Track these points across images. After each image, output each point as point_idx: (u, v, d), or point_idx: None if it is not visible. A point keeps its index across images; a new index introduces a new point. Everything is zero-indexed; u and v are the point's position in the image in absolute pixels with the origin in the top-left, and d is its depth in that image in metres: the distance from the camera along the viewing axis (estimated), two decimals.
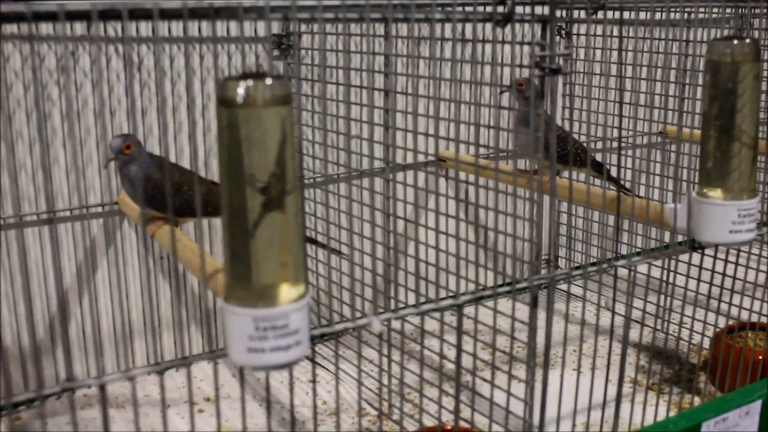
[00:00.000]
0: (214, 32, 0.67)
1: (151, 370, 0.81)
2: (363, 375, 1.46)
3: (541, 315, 1.08)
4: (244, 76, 0.74)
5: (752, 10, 1.58)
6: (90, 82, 1.37)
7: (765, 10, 1.33)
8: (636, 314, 1.63)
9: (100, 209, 1.42)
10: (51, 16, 0.71)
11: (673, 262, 1.43)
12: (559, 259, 1.93)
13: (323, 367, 1.54)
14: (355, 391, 1.45)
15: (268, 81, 0.74)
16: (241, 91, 0.73)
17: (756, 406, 1.24)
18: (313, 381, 0.90)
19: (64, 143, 1.36)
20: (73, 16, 0.72)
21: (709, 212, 1.09)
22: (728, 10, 1.33)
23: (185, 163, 1.45)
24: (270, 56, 1.48)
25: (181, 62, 1.43)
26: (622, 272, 1.59)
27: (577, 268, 1.83)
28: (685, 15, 1.22)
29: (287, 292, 0.77)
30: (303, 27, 1.49)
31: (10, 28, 1.29)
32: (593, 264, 1.10)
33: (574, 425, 1.18)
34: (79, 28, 1.35)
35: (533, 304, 1.03)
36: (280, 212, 0.75)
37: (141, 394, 1.44)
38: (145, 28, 1.39)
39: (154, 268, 1.50)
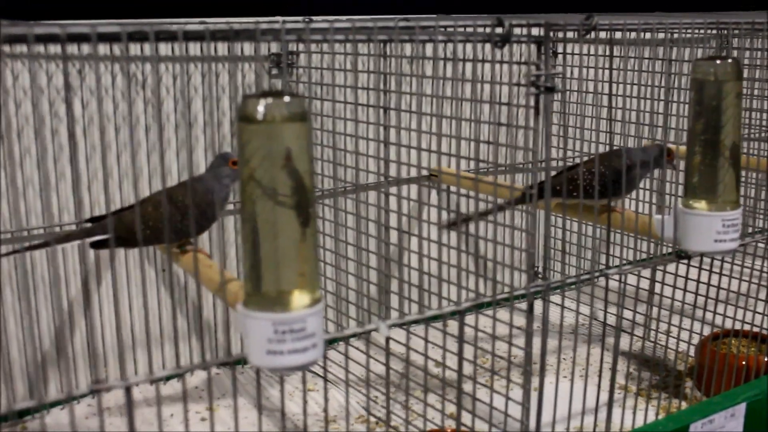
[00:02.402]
0: (232, 53, 0.72)
1: (173, 374, 0.85)
2: (362, 383, 1.50)
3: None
4: (264, 94, 0.79)
5: (731, 31, 1.65)
6: (95, 100, 1.41)
7: (744, 31, 1.39)
8: (623, 323, 1.68)
9: None
10: (83, 38, 0.75)
11: (659, 274, 1.49)
12: (547, 271, 1.98)
13: (319, 375, 1.58)
14: (354, 398, 1.49)
15: (287, 99, 0.79)
16: (260, 108, 0.78)
17: (741, 409, 1.29)
18: (325, 388, 0.94)
19: (70, 159, 1.40)
20: (103, 37, 0.76)
21: (695, 223, 1.15)
22: (711, 31, 1.39)
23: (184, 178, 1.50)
24: (282, 76, 1.52)
25: (184, 81, 1.48)
26: (612, 284, 1.65)
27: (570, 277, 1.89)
28: (670, 35, 1.28)
29: (304, 297, 0.82)
30: (300, 46, 1.54)
31: (21, 48, 1.33)
32: (587, 273, 1.15)
33: (568, 428, 1.23)
34: (86, 48, 1.39)
35: (530, 311, 1.08)
36: (299, 223, 0.80)
37: (143, 404, 1.47)
38: (148, 48, 1.44)
39: (156, 281, 1.53)
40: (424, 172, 1.66)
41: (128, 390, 0.82)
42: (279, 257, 0.79)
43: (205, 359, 0.83)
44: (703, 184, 1.15)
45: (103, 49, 1.38)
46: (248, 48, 1.52)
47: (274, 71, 1.54)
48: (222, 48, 1.51)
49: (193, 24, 0.80)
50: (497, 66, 1.01)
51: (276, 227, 0.79)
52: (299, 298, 0.82)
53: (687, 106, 1.17)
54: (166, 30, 0.79)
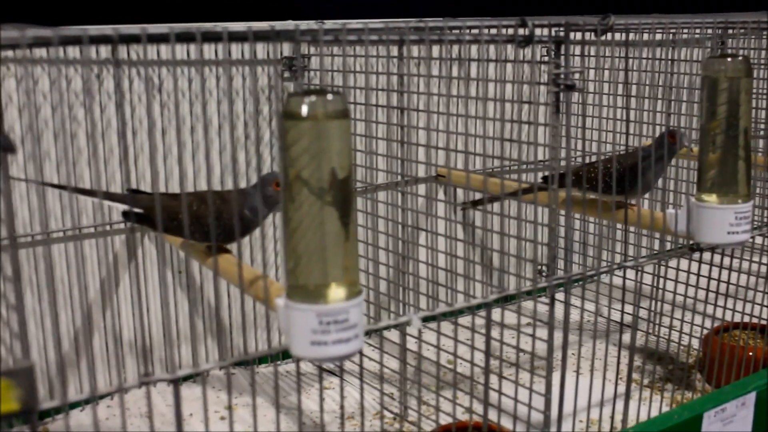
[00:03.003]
0: (280, 54, 0.74)
1: (218, 366, 0.88)
2: (376, 379, 1.53)
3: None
4: (307, 92, 0.82)
5: (736, 30, 1.69)
6: (113, 104, 1.43)
7: (745, 31, 1.43)
8: (632, 318, 1.72)
9: (122, 226, 1.48)
10: (134, 39, 0.78)
11: (664, 269, 1.53)
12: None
13: (336, 375, 1.60)
14: (371, 395, 1.51)
15: (329, 96, 0.82)
16: (305, 105, 0.81)
17: (751, 398, 1.33)
18: (361, 385, 0.97)
19: (89, 162, 1.42)
20: (153, 38, 0.78)
21: (708, 215, 1.18)
22: (709, 31, 1.43)
23: (201, 180, 1.52)
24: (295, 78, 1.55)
25: (197, 84, 1.50)
26: (617, 281, 1.68)
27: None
28: (679, 35, 1.31)
29: (347, 289, 0.84)
30: (312, 49, 1.57)
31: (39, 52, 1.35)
32: (607, 266, 1.19)
33: (588, 419, 1.26)
34: (104, 51, 1.41)
35: (552, 303, 1.12)
36: (343, 218, 0.82)
37: (162, 404, 1.49)
38: (165, 51, 1.46)
39: (173, 282, 1.55)
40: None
41: (176, 383, 0.85)
42: (325, 252, 0.82)
43: (248, 351, 0.85)
44: (716, 179, 1.18)
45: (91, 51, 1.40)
46: (232, 51, 1.54)
47: (287, 74, 1.56)
48: (236, 51, 1.54)
49: (238, 26, 0.83)
50: (512, 66, 1.04)
51: (322, 223, 0.81)
52: (342, 291, 0.84)
53: (696, 104, 1.21)
54: (211, 32, 0.81)
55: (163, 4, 1.58)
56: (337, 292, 0.84)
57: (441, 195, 1.83)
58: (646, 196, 1.39)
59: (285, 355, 1.63)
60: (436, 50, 1.60)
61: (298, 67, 1.54)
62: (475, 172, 1.70)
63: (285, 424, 1.42)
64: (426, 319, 1.06)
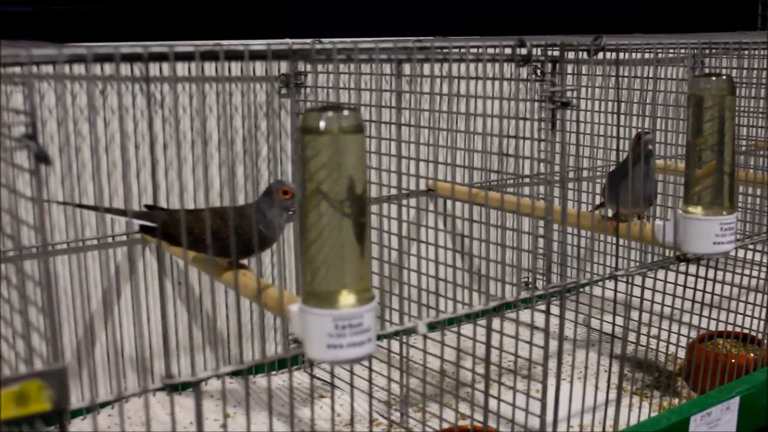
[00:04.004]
0: (295, 70, 0.79)
1: (235, 369, 0.91)
2: (374, 387, 1.57)
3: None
4: (324, 108, 0.86)
5: (703, 51, 1.76)
6: (116, 119, 1.46)
7: (720, 51, 1.49)
8: (618, 328, 1.77)
9: (124, 238, 1.51)
10: (162, 57, 0.82)
11: (649, 281, 1.58)
12: (538, 281, 2.07)
13: (329, 382, 1.64)
14: (366, 403, 1.54)
15: (345, 113, 0.86)
16: (322, 121, 0.85)
17: (735, 402, 1.39)
18: (370, 391, 1.01)
19: (93, 175, 1.45)
20: (179, 57, 0.83)
21: (694, 227, 1.24)
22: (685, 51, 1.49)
23: (200, 193, 1.56)
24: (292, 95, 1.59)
25: (197, 100, 1.54)
26: (605, 291, 1.73)
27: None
28: (663, 55, 1.37)
29: (362, 295, 0.89)
30: (308, 66, 1.61)
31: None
32: (600, 275, 1.24)
33: (581, 424, 1.31)
34: (108, 68, 1.45)
35: (548, 310, 1.17)
36: (359, 228, 0.87)
37: (162, 413, 1.52)
38: (167, 68, 1.49)
39: (173, 293, 1.59)
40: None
41: (197, 385, 0.88)
42: (343, 261, 0.86)
43: (265, 355, 0.89)
44: (702, 192, 1.24)
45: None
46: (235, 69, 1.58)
47: (283, 91, 1.61)
48: (237, 68, 1.58)
49: (257, 45, 0.87)
50: (507, 83, 1.09)
51: (340, 234, 0.86)
52: (357, 296, 0.88)
53: (681, 120, 1.27)
54: (233, 50, 0.86)
55: (154, 22, 1.62)
56: (351, 298, 0.88)
57: (439, 207, 1.87)
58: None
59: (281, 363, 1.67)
60: (427, 67, 1.65)
61: (292, 84, 1.58)
62: (464, 185, 1.75)
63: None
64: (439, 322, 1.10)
